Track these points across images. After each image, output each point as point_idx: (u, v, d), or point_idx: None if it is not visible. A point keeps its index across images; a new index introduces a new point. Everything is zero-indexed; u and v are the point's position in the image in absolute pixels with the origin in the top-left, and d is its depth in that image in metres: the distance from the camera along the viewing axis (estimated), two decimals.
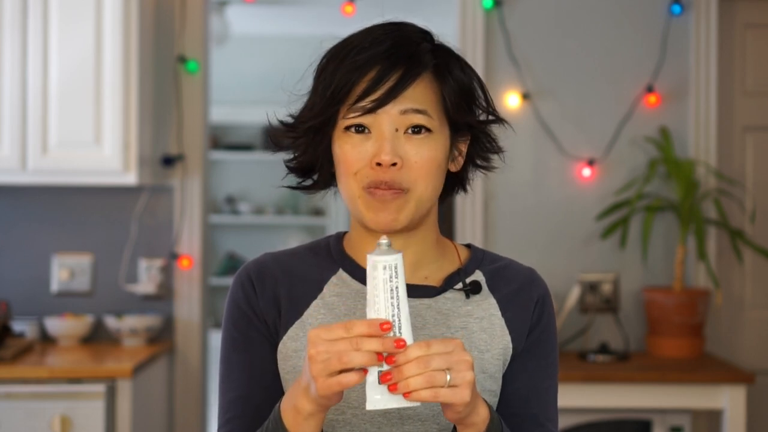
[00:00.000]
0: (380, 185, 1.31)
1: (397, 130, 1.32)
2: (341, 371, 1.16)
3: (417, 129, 1.32)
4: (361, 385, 1.34)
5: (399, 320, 1.18)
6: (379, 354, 1.15)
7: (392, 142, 1.31)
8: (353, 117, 1.31)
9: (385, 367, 1.17)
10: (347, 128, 1.33)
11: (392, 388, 1.16)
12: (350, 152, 1.32)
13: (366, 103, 1.30)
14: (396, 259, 1.20)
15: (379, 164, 1.31)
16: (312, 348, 1.17)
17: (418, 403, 1.17)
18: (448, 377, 1.16)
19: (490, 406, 1.27)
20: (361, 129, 1.32)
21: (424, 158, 1.32)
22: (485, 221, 3.81)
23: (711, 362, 3.49)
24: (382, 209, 1.32)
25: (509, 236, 3.81)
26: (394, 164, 1.31)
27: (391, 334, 1.17)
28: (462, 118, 1.36)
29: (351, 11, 3.80)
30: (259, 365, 1.38)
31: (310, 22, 6.26)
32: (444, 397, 1.16)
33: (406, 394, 1.16)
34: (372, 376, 1.17)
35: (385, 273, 1.19)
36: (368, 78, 1.31)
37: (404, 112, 1.31)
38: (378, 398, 1.17)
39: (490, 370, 1.38)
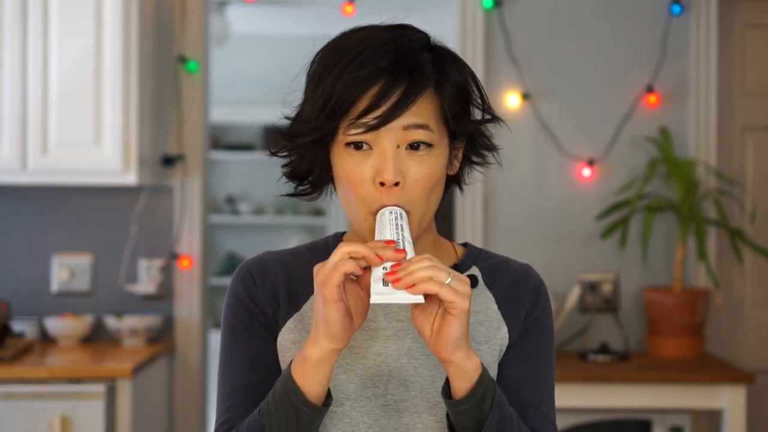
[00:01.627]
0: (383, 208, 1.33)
1: (398, 146, 1.31)
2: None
3: (417, 145, 1.32)
4: (358, 377, 1.36)
5: (403, 246, 1.25)
6: (378, 256, 1.21)
7: (395, 160, 1.30)
8: (355, 134, 1.31)
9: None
10: (347, 144, 1.32)
11: (395, 281, 1.19)
12: (352, 171, 1.32)
13: (369, 119, 1.29)
14: (402, 210, 1.30)
15: (382, 183, 1.31)
16: (317, 267, 1.24)
17: (422, 299, 1.20)
18: (450, 279, 1.20)
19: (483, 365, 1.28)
20: (360, 145, 1.32)
21: (424, 176, 1.32)
22: (485, 221, 3.81)
23: (711, 362, 3.49)
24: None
25: (509, 236, 3.81)
26: (397, 183, 1.31)
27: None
28: (461, 128, 1.36)
29: (351, 11, 3.80)
30: (259, 355, 1.39)
31: (310, 22, 6.26)
32: (445, 294, 1.19)
33: (409, 288, 1.19)
34: (378, 271, 1.22)
35: (392, 215, 1.29)
36: (371, 94, 1.29)
37: (407, 127, 1.31)
38: (382, 295, 1.21)
39: (488, 361, 1.38)
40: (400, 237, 1.25)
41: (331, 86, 1.31)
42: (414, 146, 1.32)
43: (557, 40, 3.82)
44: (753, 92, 3.87)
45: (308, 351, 1.25)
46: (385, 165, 1.30)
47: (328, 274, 1.21)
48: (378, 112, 1.29)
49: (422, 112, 1.31)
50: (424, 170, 1.32)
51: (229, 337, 1.41)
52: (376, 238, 1.27)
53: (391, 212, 1.28)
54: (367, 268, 1.23)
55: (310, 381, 1.25)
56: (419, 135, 1.31)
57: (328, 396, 1.29)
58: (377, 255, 1.21)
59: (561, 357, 3.57)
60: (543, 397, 1.41)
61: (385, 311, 1.39)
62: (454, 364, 1.23)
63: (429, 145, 1.32)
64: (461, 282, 1.21)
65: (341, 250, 1.21)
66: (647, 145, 3.78)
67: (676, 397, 3.35)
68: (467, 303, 1.20)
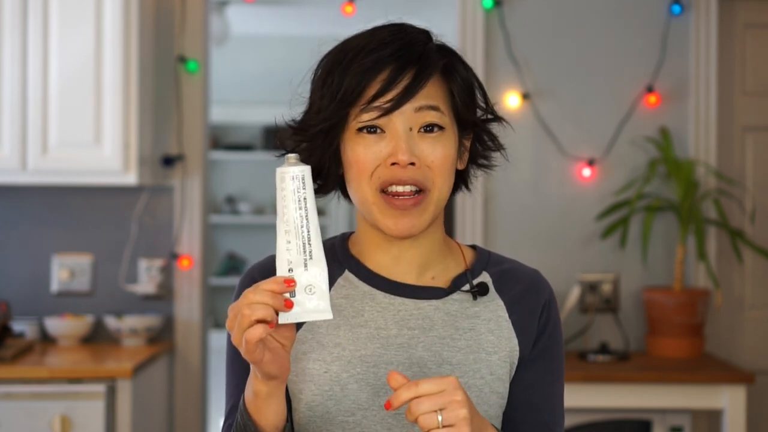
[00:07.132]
0: (398, 183, 1.31)
1: (411, 129, 1.32)
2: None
3: (430, 128, 1.33)
4: (369, 387, 1.34)
5: (308, 231, 1.21)
6: (287, 301, 1.18)
7: (408, 142, 1.31)
8: (368, 119, 1.31)
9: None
10: (359, 129, 1.33)
11: None
12: (364, 153, 1.32)
13: (382, 102, 1.30)
14: (303, 170, 1.21)
15: (394, 164, 1.31)
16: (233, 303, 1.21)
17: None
18: (440, 418, 1.17)
19: (497, 430, 1.28)
20: (373, 129, 1.32)
21: (439, 157, 1.33)
22: (485, 221, 3.81)
23: (711, 362, 3.49)
24: (402, 216, 1.33)
25: (509, 236, 3.81)
26: (412, 164, 1.31)
27: (300, 244, 1.20)
28: (470, 115, 1.37)
29: (351, 11, 3.80)
30: None
31: (309, 22, 6.26)
32: None
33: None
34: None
35: (294, 183, 1.21)
36: (380, 79, 1.31)
37: (419, 109, 1.32)
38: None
39: (498, 372, 1.38)
40: (304, 221, 1.21)
41: (339, 78, 1.32)
42: (427, 129, 1.33)
43: (557, 40, 3.82)
44: (753, 92, 3.87)
45: (255, 386, 1.25)
46: (399, 146, 1.31)
47: (238, 341, 1.18)
48: (390, 95, 1.30)
49: (432, 95, 1.33)
50: (439, 151, 1.33)
51: (231, 351, 1.41)
52: (278, 214, 1.21)
53: (293, 178, 1.21)
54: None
55: (264, 414, 1.26)
56: (432, 117, 1.32)
57: (289, 420, 1.30)
58: (285, 281, 1.18)
59: None
60: (556, 417, 1.42)
61: (396, 319, 1.38)
62: None
63: (441, 128, 1.33)
64: (454, 412, 1.18)
65: (247, 305, 1.17)
66: (647, 145, 3.78)
67: (676, 397, 3.35)
68: (466, 431, 1.18)
